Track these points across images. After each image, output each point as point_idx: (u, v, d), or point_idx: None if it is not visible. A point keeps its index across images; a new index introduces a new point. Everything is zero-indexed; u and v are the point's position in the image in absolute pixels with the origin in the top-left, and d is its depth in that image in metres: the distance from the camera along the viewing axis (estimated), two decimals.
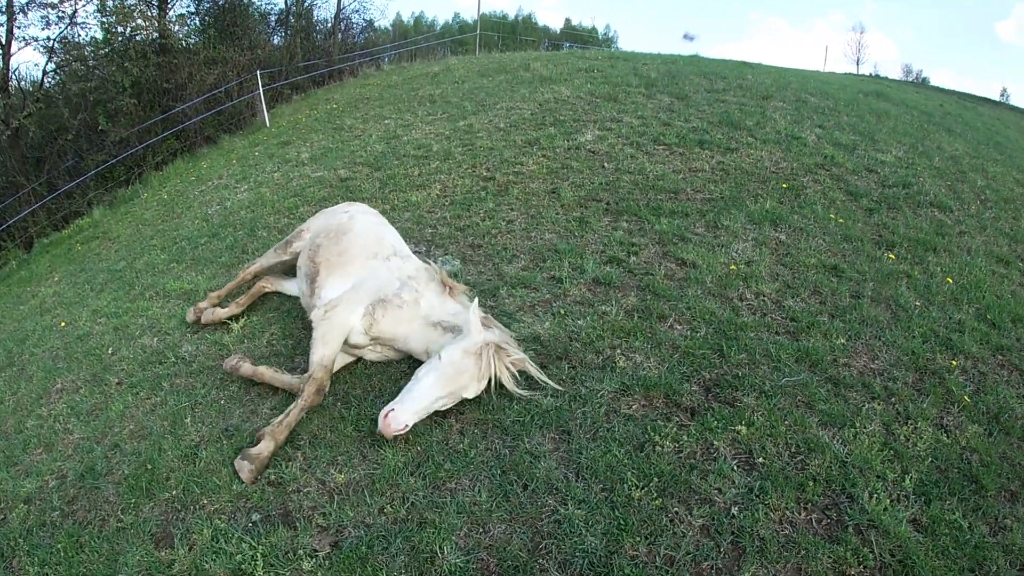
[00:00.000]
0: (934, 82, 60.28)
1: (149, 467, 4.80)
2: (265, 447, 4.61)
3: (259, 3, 27.38)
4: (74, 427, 5.74)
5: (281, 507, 4.22)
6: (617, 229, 7.36)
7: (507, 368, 4.61)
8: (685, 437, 4.34)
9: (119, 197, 17.51)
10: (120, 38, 21.54)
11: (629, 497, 3.89)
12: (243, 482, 4.48)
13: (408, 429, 4.32)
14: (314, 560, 3.78)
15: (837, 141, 10.34)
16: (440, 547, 3.71)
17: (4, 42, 20.82)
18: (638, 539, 3.65)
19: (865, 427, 4.54)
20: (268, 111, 20.06)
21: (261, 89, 19.90)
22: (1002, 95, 68.00)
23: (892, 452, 4.39)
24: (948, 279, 6.65)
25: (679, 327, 5.56)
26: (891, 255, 6.97)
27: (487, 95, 14.50)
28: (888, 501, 3.99)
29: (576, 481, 4.05)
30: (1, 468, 5.53)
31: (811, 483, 4.04)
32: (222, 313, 6.56)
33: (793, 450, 4.31)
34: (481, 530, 3.82)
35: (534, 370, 4.70)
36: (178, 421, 5.32)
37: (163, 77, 21.54)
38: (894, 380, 5.12)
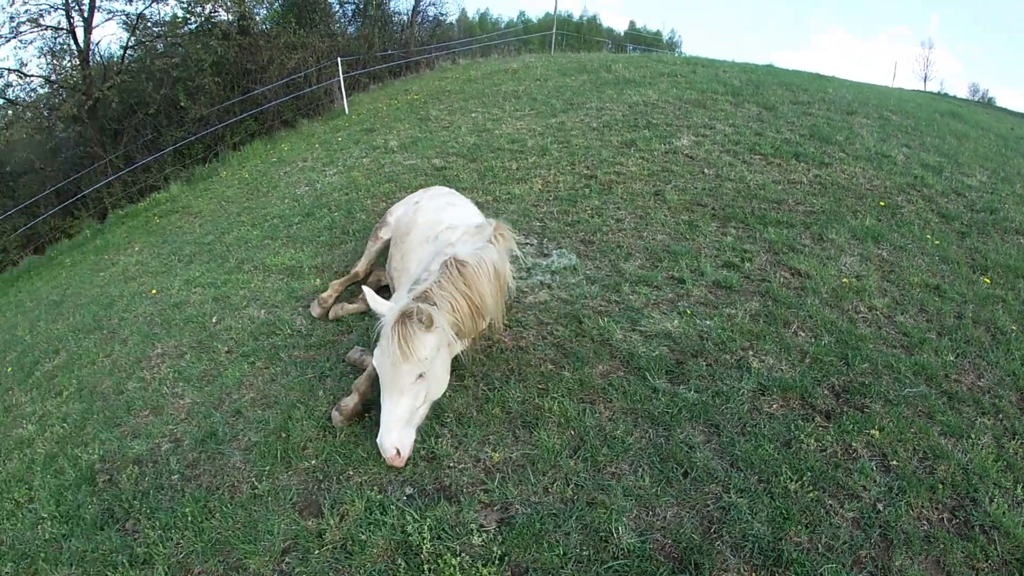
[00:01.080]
0: (1000, 102, 59.02)
1: (283, 435, 4.91)
2: (351, 399, 4.87)
3: None
4: (184, 391, 5.96)
5: (436, 482, 4.31)
6: (727, 235, 7.58)
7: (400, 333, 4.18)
8: (827, 437, 4.55)
9: (196, 174, 17.94)
10: (199, 18, 22.06)
11: (786, 489, 4.10)
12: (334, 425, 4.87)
13: (406, 449, 4.25)
14: (485, 535, 3.87)
15: (924, 162, 10.44)
16: (614, 527, 3.83)
17: (87, 15, 21.39)
18: (799, 528, 3.86)
19: (979, 439, 4.71)
20: (346, 98, 20.42)
21: (341, 76, 20.20)
22: None
23: (1004, 463, 4.54)
24: None
25: (803, 334, 5.78)
26: (986, 279, 7.10)
27: (573, 94, 14.70)
28: (1006, 506, 4.18)
29: (733, 471, 4.24)
30: (102, 428, 5.74)
31: (940, 486, 4.24)
32: (351, 308, 6.58)
33: (921, 455, 4.51)
34: (651, 513, 3.97)
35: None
36: (308, 392, 5.45)
37: (245, 58, 21.97)
38: (1000, 398, 5.27)
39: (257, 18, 23.95)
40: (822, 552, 3.75)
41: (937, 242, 7.81)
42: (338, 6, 27.92)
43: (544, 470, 4.30)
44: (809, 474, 4.22)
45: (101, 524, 4.56)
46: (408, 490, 4.27)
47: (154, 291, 8.67)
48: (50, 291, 11.91)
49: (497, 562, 3.70)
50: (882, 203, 8.64)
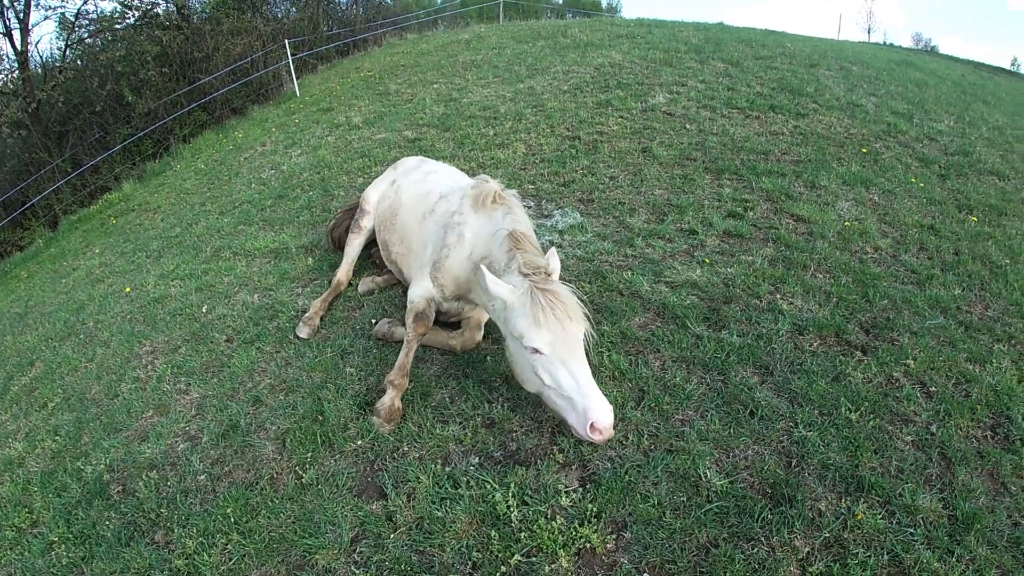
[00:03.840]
0: (942, 50, 60.29)
1: (319, 418, 4.67)
2: (388, 397, 4.52)
3: None
4: (189, 386, 5.63)
5: (502, 448, 4.18)
6: (723, 186, 7.70)
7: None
8: (870, 370, 4.69)
9: (148, 170, 17.61)
10: (137, 11, 21.66)
11: (848, 420, 4.20)
12: (384, 434, 4.42)
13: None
14: (573, 495, 3.75)
15: (894, 110, 10.80)
16: (701, 472, 3.81)
17: (22, 17, 20.78)
18: (870, 454, 3.96)
19: (1000, 363, 4.91)
20: (296, 81, 20.20)
21: (290, 59, 19.99)
22: (1012, 64, 67.89)
23: None
24: None
25: (821, 276, 5.91)
26: (973, 218, 7.35)
27: (535, 60, 14.78)
28: None
29: (796, 408, 4.32)
30: (102, 435, 5.35)
31: (978, 407, 4.42)
32: (380, 280, 6.37)
33: (955, 381, 4.70)
34: (731, 455, 3.98)
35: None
36: (334, 371, 5.25)
37: (190, 47, 21.55)
38: (1008, 326, 5.47)
39: (197, 7, 23.52)
40: (894, 475, 3.87)
41: (922, 184, 8.06)
42: None
43: (613, 424, 4.13)
44: (865, 404, 4.34)
45: (126, 540, 4.19)
46: (474, 460, 4.12)
47: (127, 289, 8.32)
48: (10, 305, 11.30)
49: (594, 520, 3.61)
50: (864, 150, 8.87)
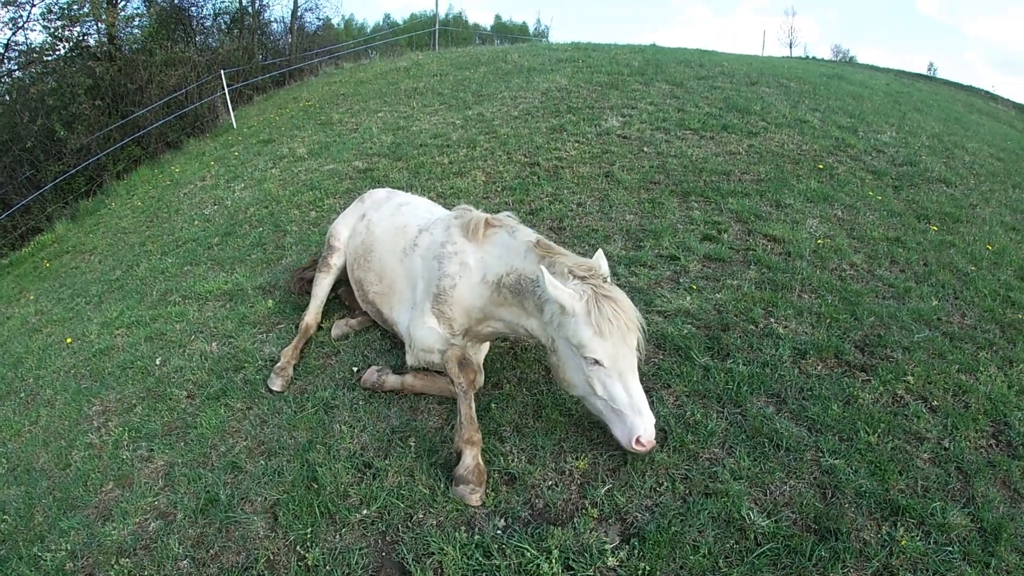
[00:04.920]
0: (861, 60, 62.23)
1: (313, 486, 4.21)
2: (470, 458, 4.08)
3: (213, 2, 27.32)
4: (152, 452, 5.02)
5: (528, 506, 3.90)
6: (692, 209, 7.73)
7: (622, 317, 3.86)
8: (878, 390, 4.75)
9: (82, 209, 17.01)
10: (68, 43, 21.06)
11: (869, 443, 4.22)
12: (474, 506, 3.96)
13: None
14: (620, 552, 3.53)
15: (838, 124, 11.15)
16: (744, 513, 3.69)
17: None
18: (897, 476, 3.98)
19: (987, 370, 5.07)
20: (232, 112, 19.80)
21: (226, 89, 19.57)
22: (929, 69, 70.41)
23: (1019, 388, 4.94)
24: (988, 246, 7.30)
25: (807, 296, 5.97)
26: (933, 227, 7.60)
27: (479, 86, 14.79)
28: None
29: (818, 436, 4.30)
30: (58, 514, 4.70)
31: (979, 417, 4.55)
32: (354, 323, 6.03)
33: (953, 392, 4.80)
34: (768, 492, 3.89)
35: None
36: (320, 428, 4.81)
37: (123, 79, 20.96)
38: (987, 332, 5.65)
39: (130, 36, 23.01)
40: (922, 494, 3.91)
41: (879, 197, 8.29)
42: (211, 20, 27.14)
43: (642, 469, 4.05)
44: (881, 426, 4.38)
45: None
46: (500, 522, 3.80)
47: (68, 340, 7.69)
48: None
49: None
50: (820, 166, 9.09)
